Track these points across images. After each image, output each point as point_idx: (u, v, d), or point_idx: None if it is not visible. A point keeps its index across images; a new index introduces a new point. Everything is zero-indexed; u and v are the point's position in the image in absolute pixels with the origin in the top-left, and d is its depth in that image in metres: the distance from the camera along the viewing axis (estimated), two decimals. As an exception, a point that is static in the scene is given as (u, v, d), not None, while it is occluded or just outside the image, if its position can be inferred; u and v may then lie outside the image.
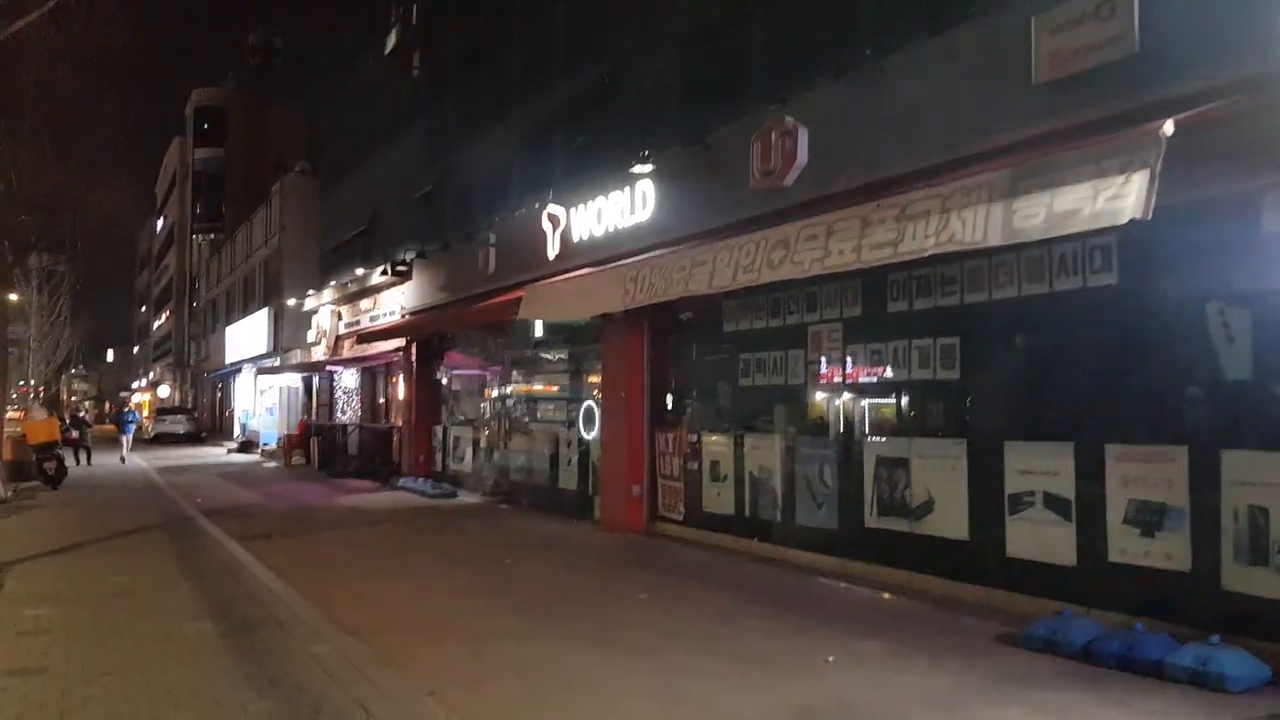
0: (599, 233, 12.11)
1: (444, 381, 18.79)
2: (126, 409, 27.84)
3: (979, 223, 6.20)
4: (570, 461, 13.54)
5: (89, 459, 25.37)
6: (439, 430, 18.59)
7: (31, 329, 37.40)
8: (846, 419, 9.48)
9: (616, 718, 5.28)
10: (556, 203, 13.04)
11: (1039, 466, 7.42)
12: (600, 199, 12.11)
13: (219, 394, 46.90)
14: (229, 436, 40.67)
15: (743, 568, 9.76)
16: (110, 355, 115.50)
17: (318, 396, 26.80)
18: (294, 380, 29.03)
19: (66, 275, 40.26)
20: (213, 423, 45.93)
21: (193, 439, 41.00)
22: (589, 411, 13.12)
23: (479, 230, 15.52)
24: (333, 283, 24.61)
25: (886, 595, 8.28)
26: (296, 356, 28.69)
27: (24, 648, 6.79)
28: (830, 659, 6.30)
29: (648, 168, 10.93)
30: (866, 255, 6.95)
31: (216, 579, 9.54)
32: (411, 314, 19.03)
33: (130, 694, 5.67)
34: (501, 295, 14.16)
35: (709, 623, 7.44)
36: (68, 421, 24.89)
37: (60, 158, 19.73)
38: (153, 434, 41.08)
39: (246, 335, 35.51)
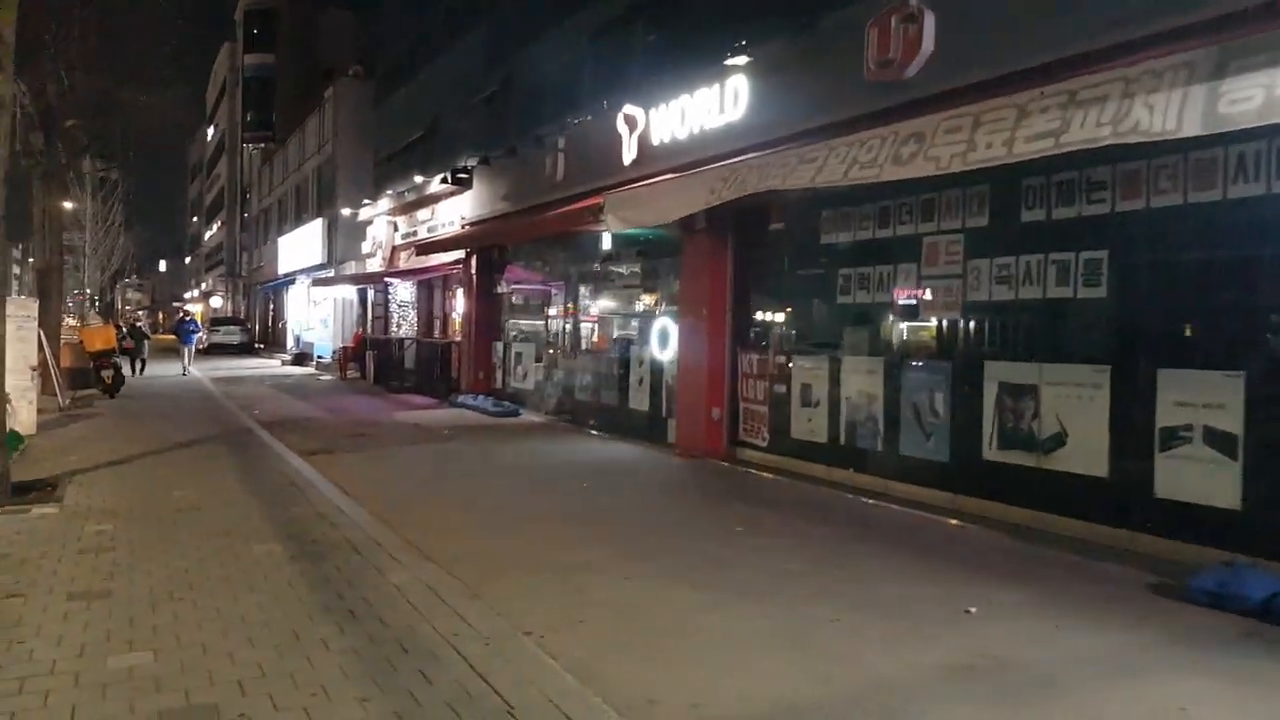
0: (682, 135, 11.19)
1: (505, 295, 18.11)
2: (187, 319, 27.16)
3: (1171, 109, 5.22)
4: (641, 381, 12.85)
5: (143, 368, 24.95)
6: (499, 346, 17.98)
7: (87, 235, 37.37)
8: (964, 341, 8.61)
9: (754, 674, 4.63)
10: (634, 103, 12.10)
11: (1200, 398, 6.55)
12: (684, 98, 11.16)
13: (271, 305, 46.88)
14: (282, 348, 40.70)
15: (840, 500, 9.06)
16: (163, 265, 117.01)
17: (373, 309, 26.32)
18: (348, 292, 28.58)
19: (120, 182, 40.17)
20: (265, 334, 46.01)
21: (246, 350, 41.12)
22: (663, 329, 12.38)
23: (547, 135, 14.61)
24: (389, 192, 23.89)
25: (1009, 536, 7.54)
26: (351, 268, 28.19)
27: (86, 566, 6.30)
28: (971, 610, 5.59)
29: (743, 60, 9.95)
30: (1021, 148, 6.01)
31: (282, 496, 9.05)
32: (472, 224, 18.30)
33: (200, 623, 5.15)
34: (572, 203, 13.36)
35: (818, 562, 6.76)
36: (124, 330, 24.63)
37: (110, 58, 19.18)
38: (207, 344, 41.25)
39: (300, 246, 35.10)
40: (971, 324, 8.54)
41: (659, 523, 8.11)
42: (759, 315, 11.05)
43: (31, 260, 25.81)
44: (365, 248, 26.78)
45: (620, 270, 13.57)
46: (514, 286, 17.82)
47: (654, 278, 12.92)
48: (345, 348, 26.83)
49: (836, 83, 9.05)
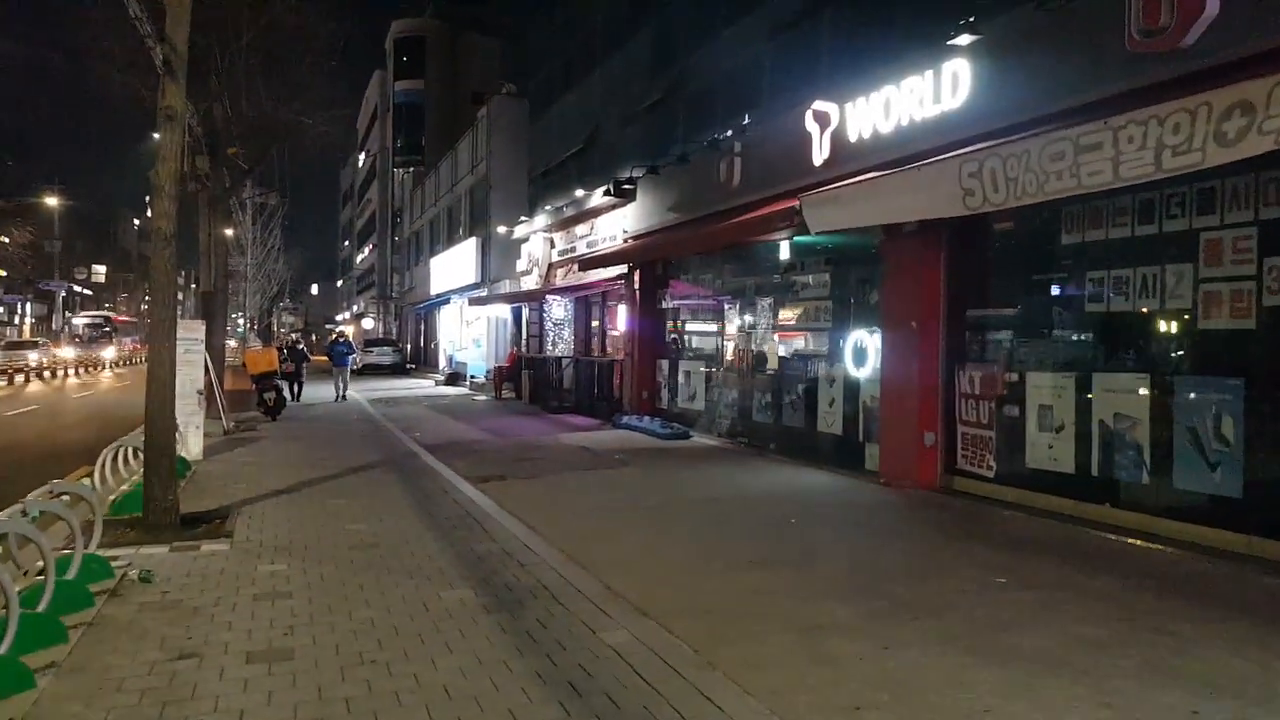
0: (887, 128, 10.01)
1: (670, 311, 17.21)
2: (340, 339, 25.90)
3: None
4: (832, 403, 11.65)
5: (300, 392, 24.24)
6: (664, 365, 17.08)
7: (248, 259, 38.71)
8: (1260, 353, 7.11)
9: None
10: (826, 99, 10.98)
11: None
12: (888, 89, 9.98)
13: (422, 326, 47.67)
14: (433, 368, 41.16)
15: (1101, 542, 7.65)
16: (314, 289, 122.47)
17: (527, 328, 25.92)
18: (502, 311, 28.36)
19: (279, 208, 41.61)
20: (417, 354, 46.78)
21: (398, 370, 41.73)
22: (859, 344, 11.18)
23: (721, 140, 13.64)
24: (545, 208, 23.46)
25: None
26: (505, 286, 27.97)
27: (264, 618, 5.62)
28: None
29: (967, 39, 8.71)
30: None
31: (461, 529, 8.32)
32: (634, 238, 17.50)
33: (399, 696, 4.32)
34: (752, 210, 12.34)
35: (1119, 625, 5.46)
36: (284, 352, 24.71)
37: (274, 80, 19.45)
38: (360, 365, 42.07)
39: (452, 266, 35.34)
40: (1268, 333, 7.03)
41: (894, 568, 6.93)
42: (981, 327, 9.72)
43: (195, 285, 26.70)
44: (520, 265, 26.46)
45: (805, 280, 12.40)
46: (680, 302, 16.89)
47: (845, 287, 11.73)
48: (500, 367, 26.55)
49: (1088, 57, 7.73)
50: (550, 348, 24.26)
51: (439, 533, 8.16)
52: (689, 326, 16.67)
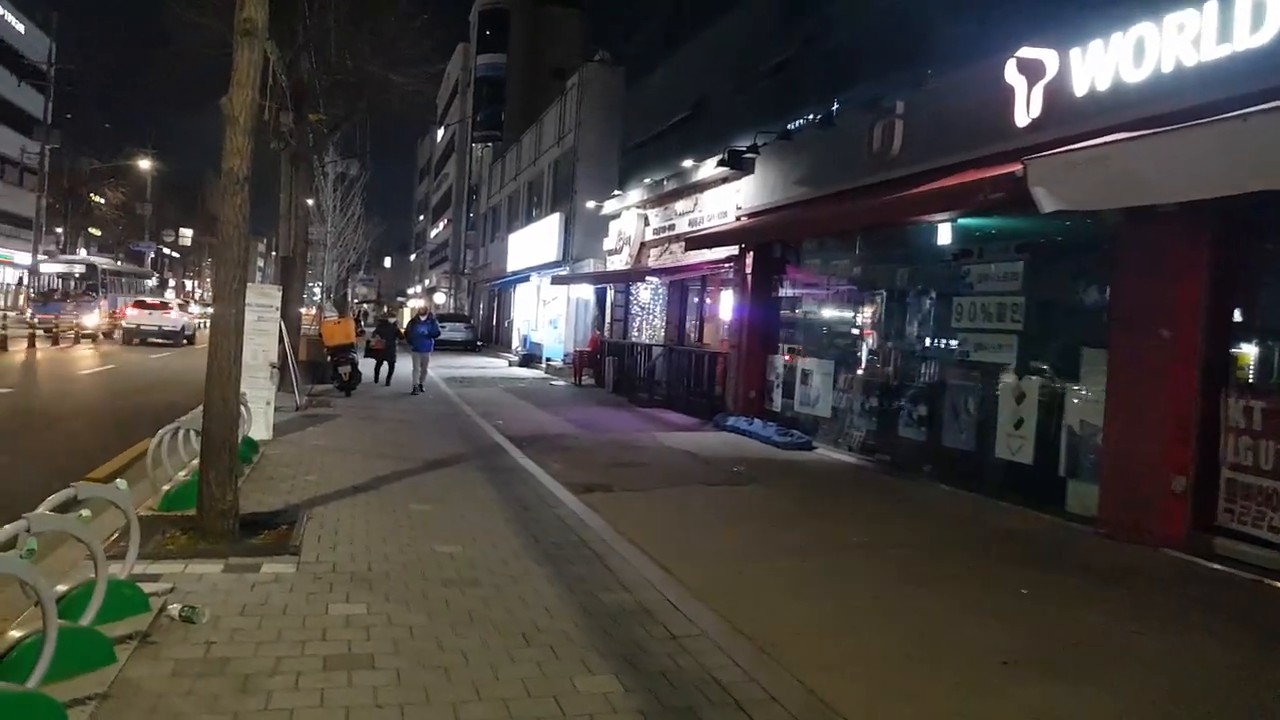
0: (1136, 77, 7.89)
1: (788, 300, 15.24)
2: (423, 318, 21.51)
3: None
4: (1020, 423, 9.55)
5: (391, 374, 21.18)
6: (778, 361, 15.10)
7: (328, 228, 37.60)
8: None
9: None
10: (1036, 45, 8.89)
11: None
12: (1141, 25, 7.84)
13: (495, 303, 46.30)
14: (505, 347, 39.78)
15: None
16: (387, 262, 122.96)
17: (611, 311, 24.11)
18: (584, 291, 26.61)
19: (359, 177, 40.57)
20: (488, 332, 45.43)
21: (470, 347, 40.53)
22: (1065, 353, 9.13)
23: (877, 100, 11.60)
24: (642, 182, 21.57)
25: None
26: (589, 265, 26.18)
27: (336, 703, 4.01)
28: None
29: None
30: None
31: (576, 563, 6.58)
32: (751, 215, 15.54)
33: None
34: (918, 184, 10.32)
35: None
36: (375, 325, 22.92)
37: (361, 31, 18.13)
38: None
39: (531, 242, 33.71)
40: None
41: (1195, 678, 4.96)
42: (1264, 341, 7.60)
43: (274, 252, 25.45)
44: (607, 244, 24.65)
45: (985, 271, 10.23)
46: (803, 290, 14.90)
47: (1045, 281, 9.57)
48: (581, 352, 24.84)
49: None
50: (636, 334, 22.43)
51: (550, 568, 6.42)
52: (813, 318, 14.64)
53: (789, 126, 13.89)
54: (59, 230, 63.09)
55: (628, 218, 22.79)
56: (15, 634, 4.17)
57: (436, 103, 76.50)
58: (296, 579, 5.84)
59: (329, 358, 18.86)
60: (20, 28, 59.94)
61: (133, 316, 33.33)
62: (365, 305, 68.33)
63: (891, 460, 11.62)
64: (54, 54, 54.04)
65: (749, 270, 15.60)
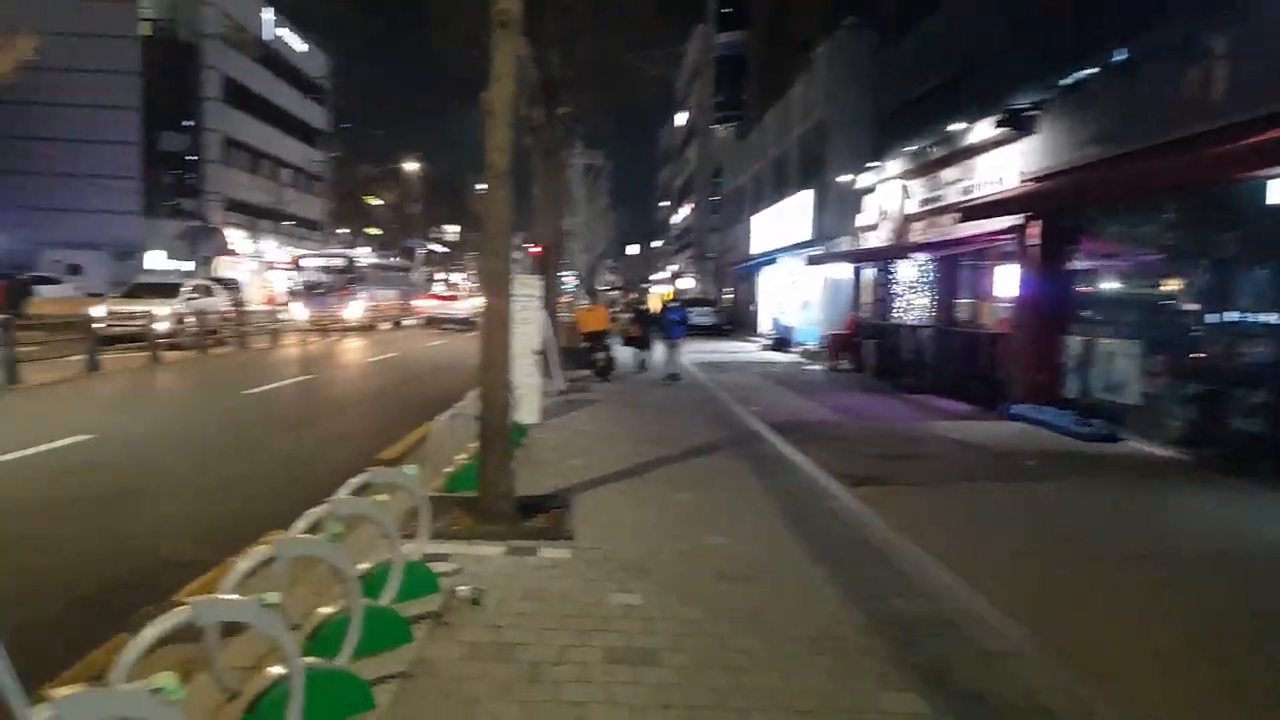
0: None
1: (1083, 274, 13.68)
2: (673, 304, 21.53)
3: None
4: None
5: (646, 362, 21.08)
6: (1072, 342, 13.58)
7: (580, 216, 38.69)
8: None
9: None
10: None
11: None
12: None
13: (741, 285, 45.90)
14: (751, 330, 39.31)
15: None
16: (630, 249, 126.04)
17: (872, 291, 22.96)
18: (838, 271, 25.56)
19: (603, 169, 41.51)
20: (734, 315, 45.13)
21: (717, 331, 40.40)
22: None
23: (1191, 35, 10.04)
24: (902, 151, 20.33)
25: None
26: (842, 244, 25.10)
27: (623, 699, 3.89)
28: None
29: None
30: None
31: (859, 564, 6.06)
32: (1037, 179, 14.11)
33: None
34: (1252, 134, 8.79)
35: None
36: (633, 313, 23.11)
37: (606, 17, 18.09)
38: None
39: (778, 222, 32.93)
40: None
41: None
42: None
43: (531, 244, 26.45)
44: (862, 219, 23.49)
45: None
46: (1100, 262, 13.31)
47: None
48: (837, 335, 23.87)
49: None
50: (898, 314, 21.20)
51: (829, 566, 5.93)
52: (1115, 293, 13.02)
53: (1077, 78, 12.38)
54: (345, 231, 69.65)
55: (886, 190, 21.59)
56: (324, 611, 4.25)
57: (676, 87, 77.18)
58: (573, 564, 5.80)
59: (585, 344, 19.21)
60: (302, 47, 66.10)
61: (430, 307, 39.57)
62: (614, 292, 70.06)
63: (1223, 455, 10.04)
64: (330, 69, 59.06)
65: (1034, 242, 14.17)
